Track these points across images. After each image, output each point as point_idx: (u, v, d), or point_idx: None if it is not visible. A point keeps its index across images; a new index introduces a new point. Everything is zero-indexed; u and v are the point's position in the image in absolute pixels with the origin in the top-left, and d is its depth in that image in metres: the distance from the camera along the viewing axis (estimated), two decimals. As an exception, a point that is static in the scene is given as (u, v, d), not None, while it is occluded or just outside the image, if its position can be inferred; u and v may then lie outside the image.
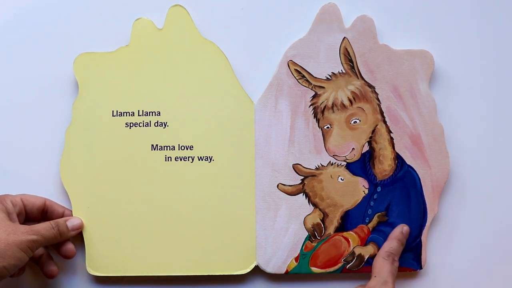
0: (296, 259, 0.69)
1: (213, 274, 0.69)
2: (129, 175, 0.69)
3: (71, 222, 0.68)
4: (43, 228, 0.64)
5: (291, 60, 0.69)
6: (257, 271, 0.70)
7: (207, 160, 0.69)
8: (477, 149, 0.72)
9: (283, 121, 0.69)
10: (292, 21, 0.71)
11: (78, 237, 0.69)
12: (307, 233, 0.69)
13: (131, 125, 0.69)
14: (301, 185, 0.69)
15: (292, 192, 0.69)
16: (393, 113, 0.70)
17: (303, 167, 0.69)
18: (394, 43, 0.70)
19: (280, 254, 0.69)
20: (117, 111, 0.69)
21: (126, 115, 0.69)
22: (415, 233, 0.70)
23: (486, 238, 0.72)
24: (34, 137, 0.71)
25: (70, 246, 0.68)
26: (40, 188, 0.70)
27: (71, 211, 0.69)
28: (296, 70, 0.69)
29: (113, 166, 0.69)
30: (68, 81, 0.71)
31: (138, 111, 0.69)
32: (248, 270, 0.69)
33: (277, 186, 0.69)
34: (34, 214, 0.68)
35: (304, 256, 0.69)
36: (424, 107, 0.70)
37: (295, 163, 0.69)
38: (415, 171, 0.70)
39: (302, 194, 0.69)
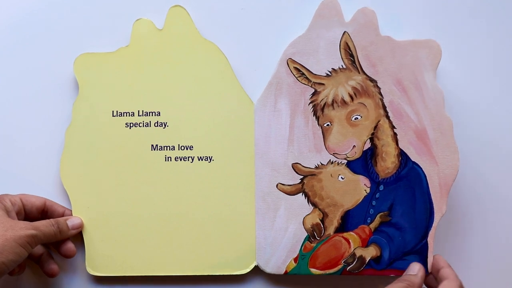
0: (295, 259, 0.68)
1: (213, 274, 0.69)
2: (129, 175, 0.69)
3: (72, 221, 0.68)
4: (43, 224, 0.64)
5: (290, 58, 0.68)
6: (257, 271, 0.69)
7: (207, 160, 0.69)
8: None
9: (282, 120, 0.68)
10: (292, 21, 0.71)
11: (78, 237, 0.69)
12: (307, 234, 0.68)
13: (131, 125, 0.69)
14: (300, 185, 0.68)
15: (292, 191, 0.68)
16: (397, 107, 0.68)
17: (303, 166, 0.68)
18: (399, 35, 0.68)
19: (279, 255, 0.68)
20: (117, 111, 0.69)
21: (126, 115, 0.69)
22: (420, 235, 0.67)
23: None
24: (34, 137, 0.71)
25: (70, 246, 0.68)
26: (40, 188, 0.70)
27: (71, 211, 0.69)
28: (295, 68, 0.68)
29: (113, 166, 0.69)
30: (68, 81, 0.71)
31: (138, 111, 0.69)
32: (248, 270, 0.69)
33: (277, 185, 0.68)
34: (33, 214, 0.68)
35: (303, 257, 0.68)
36: (430, 99, 0.67)
37: (294, 162, 0.68)
38: (420, 168, 0.67)
39: (301, 193, 0.68)
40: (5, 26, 0.72)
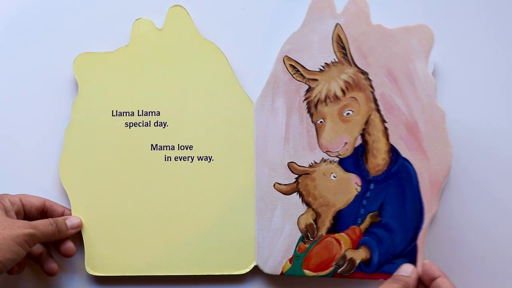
0: (290, 260, 0.67)
1: (213, 274, 0.69)
2: (129, 175, 0.69)
3: (71, 221, 0.68)
4: (41, 223, 0.64)
5: (286, 56, 0.67)
6: (256, 271, 0.69)
7: (207, 160, 0.69)
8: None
9: (278, 119, 0.67)
10: (292, 21, 0.70)
11: (77, 237, 0.69)
12: (301, 234, 0.67)
13: (131, 125, 0.69)
14: (295, 184, 0.67)
15: (287, 191, 0.67)
16: (388, 100, 0.63)
17: (297, 165, 0.67)
18: (393, 22, 0.64)
19: (276, 255, 0.68)
20: (116, 111, 0.69)
21: (126, 115, 0.69)
22: (410, 236, 0.63)
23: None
24: (34, 136, 0.71)
25: (70, 245, 0.68)
26: (39, 188, 0.70)
27: (71, 211, 0.69)
28: (291, 65, 0.67)
29: (113, 166, 0.69)
30: (68, 81, 0.71)
31: (138, 111, 0.69)
32: (248, 270, 0.69)
33: (274, 185, 0.68)
34: (33, 214, 0.68)
35: (297, 258, 0.67)
36: (422, 89, 0.62)
37: (290, 161, 0.67)
38: (411, 164, 0.62)
39: (296, 193, 0.67)
40: (5, 26, 0.72)
